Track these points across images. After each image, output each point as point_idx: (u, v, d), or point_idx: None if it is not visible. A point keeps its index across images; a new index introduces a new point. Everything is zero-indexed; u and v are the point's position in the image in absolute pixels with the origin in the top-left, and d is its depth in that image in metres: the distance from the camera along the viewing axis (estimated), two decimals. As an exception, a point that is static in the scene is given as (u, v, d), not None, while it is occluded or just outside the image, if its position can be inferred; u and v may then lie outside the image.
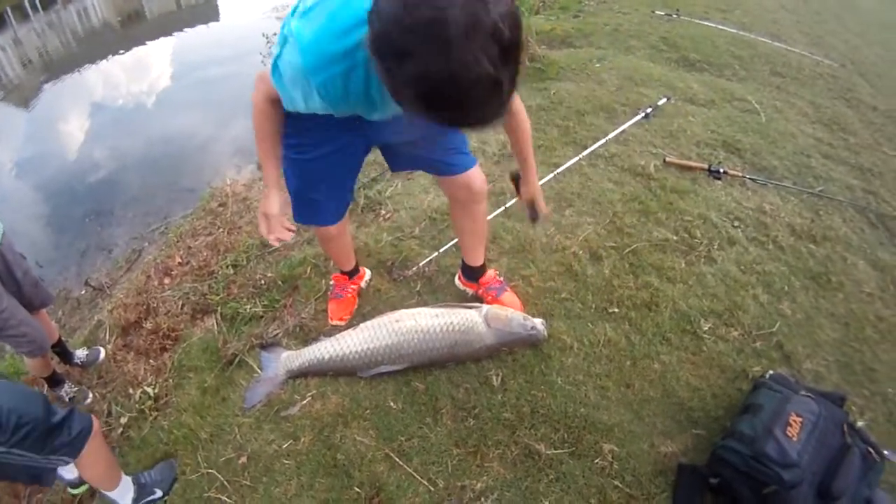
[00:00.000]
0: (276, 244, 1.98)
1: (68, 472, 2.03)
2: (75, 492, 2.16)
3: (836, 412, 1.81)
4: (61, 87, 9.08)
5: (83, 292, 3.63)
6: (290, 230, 1.73)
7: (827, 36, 6.63)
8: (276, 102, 1.48)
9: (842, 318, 2.41)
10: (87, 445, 1.75)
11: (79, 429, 1.72)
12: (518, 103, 1.73)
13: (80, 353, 2.73)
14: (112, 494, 1.98)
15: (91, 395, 2.59)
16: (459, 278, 2.48)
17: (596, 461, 1.87)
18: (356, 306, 2.47)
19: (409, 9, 0.86)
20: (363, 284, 2.54)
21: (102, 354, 2.73)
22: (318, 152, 1.77)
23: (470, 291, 2.46)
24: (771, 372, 2.01)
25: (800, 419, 1.74)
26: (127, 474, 2.06)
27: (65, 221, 4.68)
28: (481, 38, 0.85)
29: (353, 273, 2.44)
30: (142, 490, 2.03)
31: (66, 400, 2.55)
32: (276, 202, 1.71)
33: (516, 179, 1.98)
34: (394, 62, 0.91)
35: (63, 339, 2.69)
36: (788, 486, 1.62)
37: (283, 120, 1.61)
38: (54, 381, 2.58)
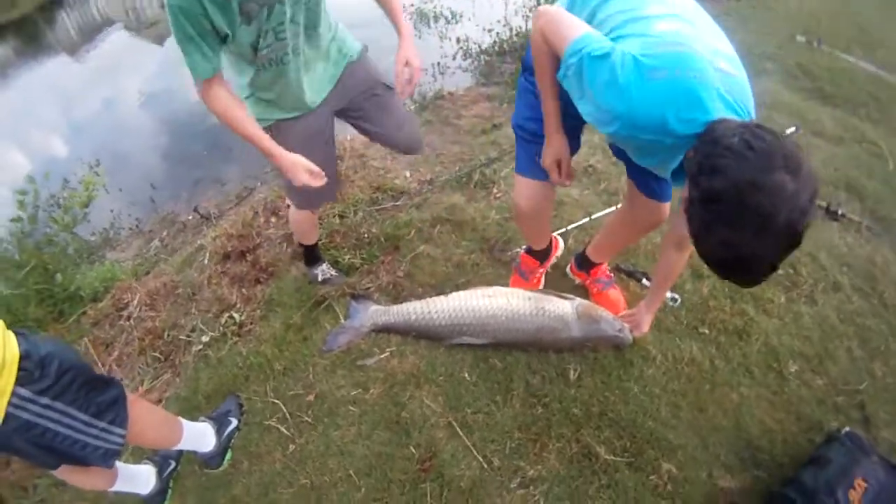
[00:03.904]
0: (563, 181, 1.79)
1: (144, 483, 1.87)
2: None
3: (902, 487, 1.72)
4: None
5: (190, 217, 3.82)
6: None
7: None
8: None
9: (933, 392, 2.25)
10: (132, 411, 1.53)
11: (117, 391, 1.50)
12: None
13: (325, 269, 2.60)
14: (185, 445, 1.86)
15: (343, 283, 2.50)
16: (571, 268, 2.50)
17: (651, 477, 1.87)
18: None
19: (754, 188, 1.03)
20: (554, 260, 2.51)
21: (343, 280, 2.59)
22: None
23: (578, 280, 2.48)
24: (847, 429, 1.92)
25: (865, 484, 1.69)
26: (194, 398, 2.14)
27: (184, 152, 4.89)
28: (786, 238, 1.05)
29: (544, 257, 2.39)
30: (220, 423, 2.03)
31: (319, 281, 2.51)
32: (562, 145, 1.70)
33: None
34: (712, 215, 1.10)
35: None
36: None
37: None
38: (313, 256, 2.52)
